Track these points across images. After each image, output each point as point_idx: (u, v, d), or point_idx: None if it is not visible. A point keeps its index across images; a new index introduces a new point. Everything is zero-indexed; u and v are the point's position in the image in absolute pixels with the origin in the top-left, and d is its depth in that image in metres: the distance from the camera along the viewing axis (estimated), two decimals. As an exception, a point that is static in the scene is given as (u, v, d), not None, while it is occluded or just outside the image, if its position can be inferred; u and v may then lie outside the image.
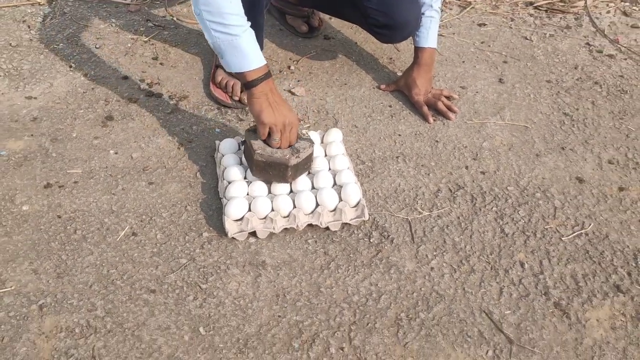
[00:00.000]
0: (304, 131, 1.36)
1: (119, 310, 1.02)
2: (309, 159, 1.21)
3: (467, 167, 1.37)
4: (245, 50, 1.10)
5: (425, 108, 1.50)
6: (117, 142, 1.37)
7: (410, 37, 1.51)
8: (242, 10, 1.11)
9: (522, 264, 1.15)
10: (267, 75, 1.14)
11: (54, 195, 1.23)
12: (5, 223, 1.16)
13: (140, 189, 1.26)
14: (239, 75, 1.15)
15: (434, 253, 1.16)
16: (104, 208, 1.21)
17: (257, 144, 1.16)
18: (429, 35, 1.47)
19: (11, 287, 1.05)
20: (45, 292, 1.05)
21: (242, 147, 1.26)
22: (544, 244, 1.19)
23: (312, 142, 1.20)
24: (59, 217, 1.18)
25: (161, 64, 1.63)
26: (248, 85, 1.13)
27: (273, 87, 1.15)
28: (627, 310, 1.08)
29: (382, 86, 1.59)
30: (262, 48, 1.23)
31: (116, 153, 1.34)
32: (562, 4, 1.99)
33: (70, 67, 1.59)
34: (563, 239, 1.21)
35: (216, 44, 1.11)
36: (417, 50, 1.50)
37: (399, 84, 1.57)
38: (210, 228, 1.18)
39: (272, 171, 1.17)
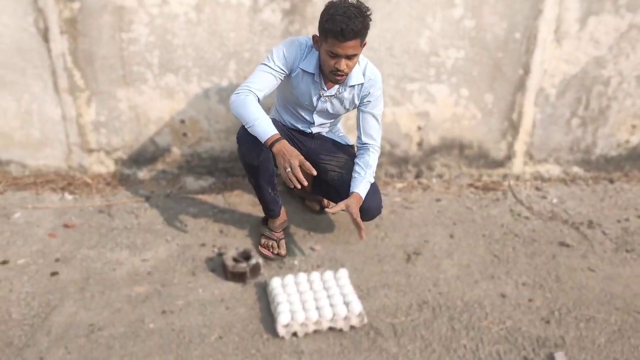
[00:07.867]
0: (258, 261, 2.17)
1: (217, 380, 1.69)
2: (256, 268, 2.13)
3: (429, 290, 2.10)
4: (259, 130, 1.93)
5: (359, 219, 2.08)
6: (203, 285, 2.13)
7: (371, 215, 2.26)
8: (254, 114, 1.93)
9: (464, 346, 1.83)
10: (279, 139, 1.90)
11: (167, 318, 1.95)
12: (139, 335, 1.87)
13: (221, 311, 1.98)
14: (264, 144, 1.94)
15: (409, 342, 1.84)
16: (200, 323, 1.92)
17: (228, 262, 2.13)
18: (360, 187, 2.15)
19: (150, 369, 1.73)
20: (171, 372, 1.72)
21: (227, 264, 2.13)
22: (479, 334, 1.88)
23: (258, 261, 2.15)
24: (173, 329, 1.89)
25: (226, 235, 2.46)
26: (269, 147, 1.91)
27: (284, 144, 1.90)
28: (532, 371, 1.74)
29: (330, 205, 2.32)
30: (278, 209, 2.27)
31: (203, 291, 2.09)
32: (493, 184, 2.91)
33: (167, 240, 2.41)
34: (492, 330, 1.90)
35: (251, 131, 1.96)
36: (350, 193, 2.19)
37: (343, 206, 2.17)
38: (268, 331, 1.88)
39: (234, 279, 2.11)
